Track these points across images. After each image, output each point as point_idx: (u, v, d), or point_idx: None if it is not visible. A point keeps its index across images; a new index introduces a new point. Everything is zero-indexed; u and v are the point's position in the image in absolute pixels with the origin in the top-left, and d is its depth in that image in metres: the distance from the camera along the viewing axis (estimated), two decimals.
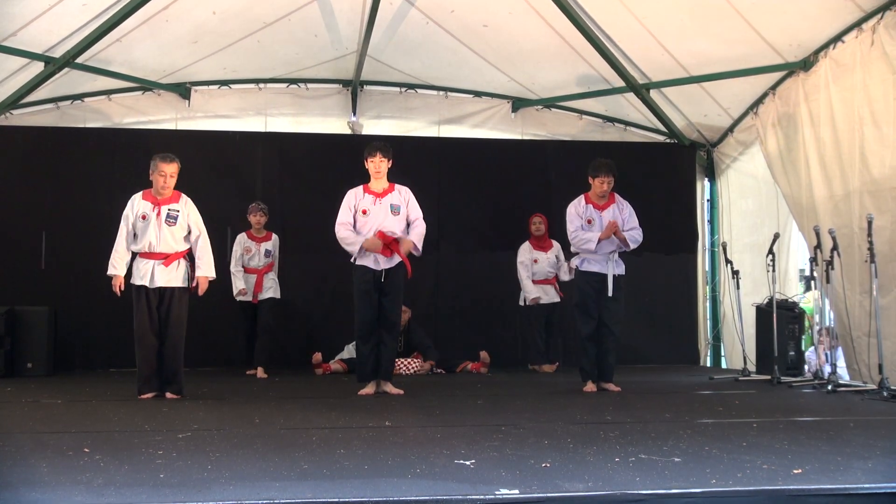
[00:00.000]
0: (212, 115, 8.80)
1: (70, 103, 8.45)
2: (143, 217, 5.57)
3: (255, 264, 7.56)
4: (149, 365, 5.56)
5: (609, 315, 6.02)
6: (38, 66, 7.37)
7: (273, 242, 7.69)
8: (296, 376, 7.38)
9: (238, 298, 7.52)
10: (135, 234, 5.58)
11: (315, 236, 8.15)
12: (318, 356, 7.81)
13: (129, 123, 8.65)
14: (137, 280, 5.55)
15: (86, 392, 6.06)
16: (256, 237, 7.63)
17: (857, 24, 6.45)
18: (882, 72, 6.18)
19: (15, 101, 7.85)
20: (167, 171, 5.59)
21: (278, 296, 7.62)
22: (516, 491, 2.52)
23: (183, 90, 8.64)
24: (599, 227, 6.05)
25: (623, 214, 6.12)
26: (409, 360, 7.80)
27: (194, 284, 5.65)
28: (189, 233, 5.69)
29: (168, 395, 5.58)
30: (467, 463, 3.02)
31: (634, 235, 6.05)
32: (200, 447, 3.42)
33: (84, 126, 8.51)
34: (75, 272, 7.97)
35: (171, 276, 5.59)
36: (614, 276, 6.00)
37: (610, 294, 5.98)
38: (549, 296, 8.14)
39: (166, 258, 5.56)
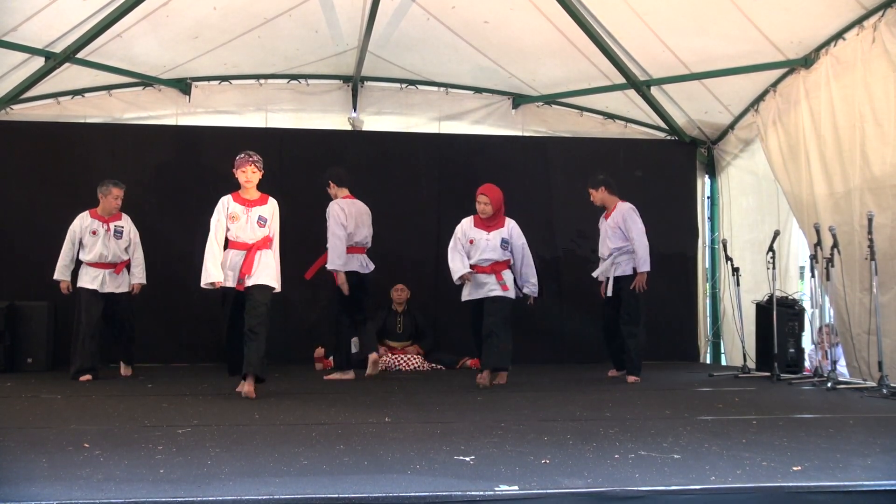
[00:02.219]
0: (212, 110, 8.78)
1: (70, 98, 8.44)
2: (94, 233, 6.64)
3: (246, 236, 5.43)
4: (90, 356, 6.55)
5: (621, 312, 6.63)
6: (39, 62, 7.36)
7: (270, 208, 5.57)
8: (296, 371, 7.37)
9: (205, 287, 5.40)
10: (81, 247, 6.63)
11: (315, 231, 8.15)
12: (320, 350, 7.81)
13: (129, 119, 8.63)
14: (88, 284, 6.60)
15: (85, 387, 6.08)
16: (247, 200, 5.50)
17: (859, 22, 6.44)
18: (883, 69, 6.18)
19: (15, 97, 7.84)
20: (120, 195, 6.71)
21: (274, 284, 5.49)
22: (516, 487, 2.52)
23: (183, 86, 8.63)
24: (604, 236, 6.88)
25: (617, 222, 6.70)
26: (409, 356, 7.80)
27: (131, 289, 6.83)
28: (129, 245, 6.81)
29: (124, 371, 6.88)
30: (467, 459, 3.02)
31: (640, 253, 6.61)
32: (200, 443, 3.42)
33: (84, 121, 8.50)
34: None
35: (120, 283, 6.74)
36: (615, 278, 6.67)
37: (609, 294, 6.68)
38: (485, 289, 6.14)
39: (115, 267, 6.69)
